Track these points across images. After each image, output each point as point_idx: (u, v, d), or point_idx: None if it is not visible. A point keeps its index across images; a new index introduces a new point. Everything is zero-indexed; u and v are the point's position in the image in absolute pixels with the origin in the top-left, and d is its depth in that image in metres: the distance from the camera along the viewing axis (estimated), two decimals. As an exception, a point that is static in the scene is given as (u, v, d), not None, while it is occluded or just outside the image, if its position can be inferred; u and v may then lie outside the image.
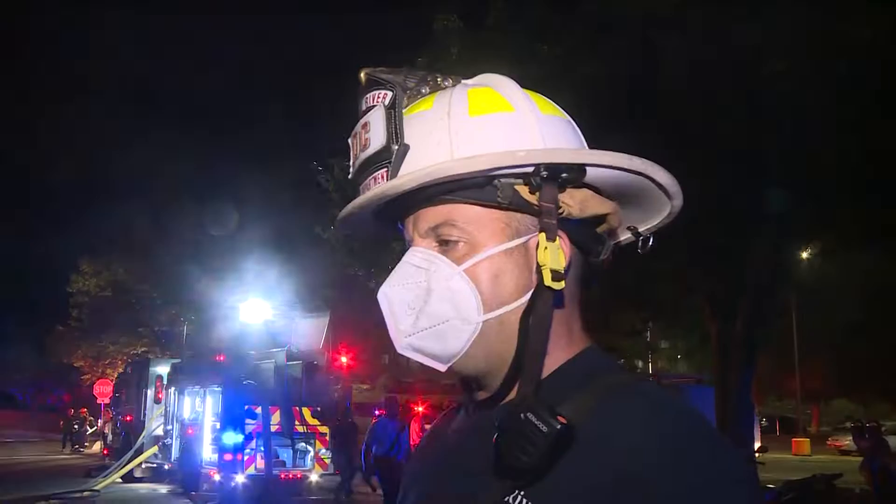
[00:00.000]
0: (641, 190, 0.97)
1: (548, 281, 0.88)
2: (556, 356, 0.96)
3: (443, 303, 0.92)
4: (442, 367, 0.94)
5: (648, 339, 27.62)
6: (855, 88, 8.63)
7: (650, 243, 1.03)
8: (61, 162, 48.44)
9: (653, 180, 0.94)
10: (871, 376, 26.35)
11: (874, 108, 8.76)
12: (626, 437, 0.84)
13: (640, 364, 32.92)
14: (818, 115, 8.68)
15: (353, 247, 13.27)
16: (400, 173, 0.93)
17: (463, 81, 1.01)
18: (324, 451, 14.37)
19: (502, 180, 0.91)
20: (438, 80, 1.00)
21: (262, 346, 14.60)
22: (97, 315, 36.03)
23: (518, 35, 9.99)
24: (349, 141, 1.00)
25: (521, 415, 0.83)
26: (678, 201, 0.99)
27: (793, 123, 8.86)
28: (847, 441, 31.08)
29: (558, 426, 0.82)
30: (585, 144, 1.01)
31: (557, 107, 1.02)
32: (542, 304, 0.90)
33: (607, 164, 0.91)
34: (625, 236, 1.06)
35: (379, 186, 0.93)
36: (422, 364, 0.95)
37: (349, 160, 1.00)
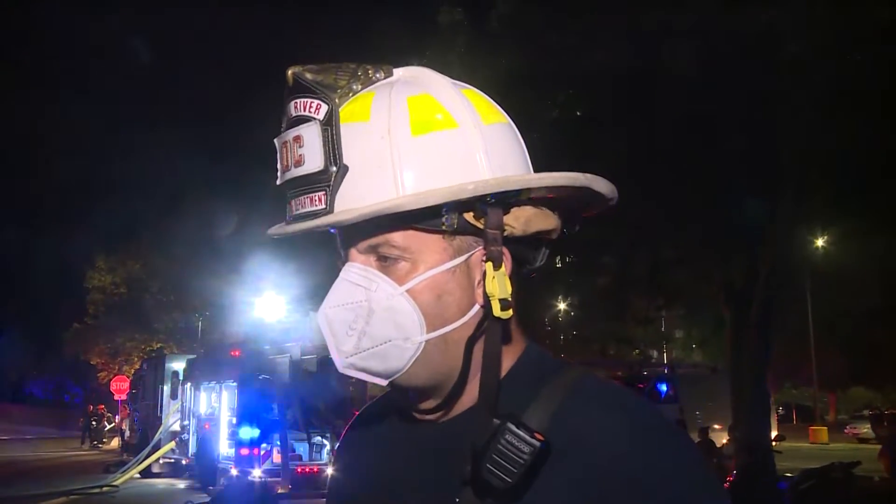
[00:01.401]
0: (581, 197, 0.97)
1: (497, 312, 0.88)
2: (504, 361, 0.96)
3: (385, 323, 0.90)
4: (384, 383, 0.94)
5: (663, 329, 27.54)
6: (870, 73, 8.55)
7: (577, 228, 1.03)
8: (76, 159, 48.74)
9: (594, 191, 0.95)
10: (889, 364, 26.13)
11: (889, 93, 8.67)
12: (595, 440, 0.87)
13: (655, 353, 32.86)
14: (832, 101, 8.61)
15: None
16: (339, 199, 0.90)
17: (396, 75, 0.97)
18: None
19: (450, 209, 0.90)
20: (370, 73, 0.95)
21: (276, 341, 14.66)
22: (113, 312, 36.27)
23: (524, 27, 9.94)
24: (276, 142, 0.96)
25: (501, 439, 0.83)
26: (614, 201, 0.98)
27: (807, 107, 8.78)
28: (865, 429, 30.99)
29: (538, 444, 0.83)
30: (525, 149, 0.99)
31: (497, 108, 0.99)
32: (492, 332, 0.91)
33: (554, 184, 0.92)
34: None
35: (321, 219, 0.90)
36: (362, 380, 0.95)
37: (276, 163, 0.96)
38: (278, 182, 0.96)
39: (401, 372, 0.92)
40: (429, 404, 0.98)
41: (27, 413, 44.15)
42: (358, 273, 0.92)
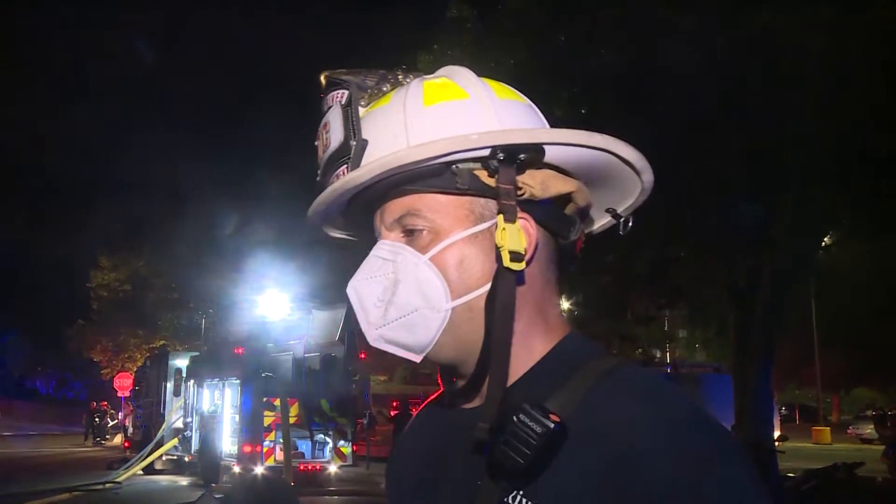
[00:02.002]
0: (609, 168, 0.95)
1: (506, 262, 0.88)
2: (536, 345, 0.96)
3: (410, 292, 0.92)
4: (417, 358, 0.94)
5: (666, 328, 27.52)
6: (873, 75, 8.52)
7: (630, 224, 1.03)
8: (80, 158, 48.82)
9: (618, 156, 0.93)
10: (893, 364, 26.11)
11: (890, 94, 8.65)
12: (618, 428, 0.84)
13: (658, 353, 32.85)
14: (834, 103, 8.59)
15: (370, 237, 13.30)
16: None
17: (423, 77, 1.01)
18: (342, 442, 14.44)
19: (460, 166, 0.91)
20: (399, 77, 1.00)
21: (279, 339, 14.68)
22: (116, 309, 36.37)
23: (534, 23, 9.94)
24: (315, 144, 1.01)
25: (514, 417, 0.83)
26: (648, 176, 0.97)
27: (814, 106, 8.76)
28: (868, 429, 30.95)
29: (552, 425, 0.82)
30: (545, 121, 1.00)
31: (517, 92, 1.01)
32: (503, 286, 0.89)
33: (564, 141, 0.90)
34: (605, 220, 1.06)
35: (336, 183, 0.94)
36: (398, 356, 0.95)
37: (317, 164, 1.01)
38: (318, 178, 1.00)
39: (430, 344, 0.92)
40: (462, 383, 0.98)
41: (30, 409, 44.26)
42: (386, 248, 0.95)
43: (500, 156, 0.89)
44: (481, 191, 0.91)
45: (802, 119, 8.84)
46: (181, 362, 18.35)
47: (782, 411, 34.36)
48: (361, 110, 0.97)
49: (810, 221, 10.93)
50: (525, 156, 0.90)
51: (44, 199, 46.65)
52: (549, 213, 0.95)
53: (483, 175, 0.91)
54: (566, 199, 0.96)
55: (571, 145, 0.91)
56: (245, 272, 21.80)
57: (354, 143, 0.94)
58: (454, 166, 0.91)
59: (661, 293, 13.54)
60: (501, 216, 0.89)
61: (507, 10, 10.41)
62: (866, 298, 19.90)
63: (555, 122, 1.01)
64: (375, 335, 0.94)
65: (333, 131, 0.96)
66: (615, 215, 1.04)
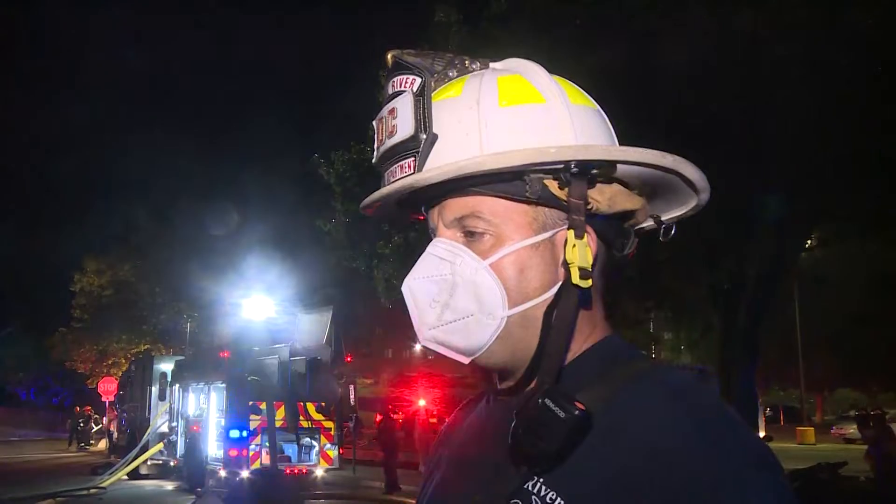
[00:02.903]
0: (669, 183, 0.96)
1: (575, 279, 0.87)
2: (577, 345, 0.96)
3: (468, 297, 0.91)
4: (465, 360, 0.94)
5: (651, 330, 27.59)
6: (854, 78, 8.61)
7: (672, 232, 1.03)
8: (63, 161, 48.44)
9: (682, 177, 0.94)
10: (875, 365, 26.32)
11: (874, 98, 8.73)
12: (644, 425, 0.84)
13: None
14: (818, 105, 8.66)
15: (355, 240, 13.28)
16: (427, 163, 0.92)
17: (492, 66, 1.00)
18: (329, 445, 14.39)
19: (532, 175, 0.90)
20: (466, 63, 0.98)
21: (265, 343, 14.61)
22: (100, 314, 36.04)
23: (518, 26, 9.97)
24: (373, 124, 0.99)
25: (539, 401, 0.83)
26: (705, 195, 0.98)
27: (793, 113, 8.83)
28: (851, 430, 31.10)
29: (576, 412, 0.82)
30: (614, 134, 1.00)
31: (587, 95, 1.01)
32: (567, 300, 0.89)
33: (638, 160, 0.90)
34: (647, 223, 1.05)
35: (407, 178, 0.92)
36: (445, 356, 0.95)
37: (372, 145, 1.00)
38: (374, 159, 0.99)
39: (482, 349, 0.92)
40: (509, 384, 0.98)
41: (13, 415, 43.80)
42: (444, 247, 0.94)
43: (574, 169, 0.88)
44: (550, 202, 0.91)
45: (786, 121, 8.91)
46: (166, 366, 18.23)
47: (767, 412, 34.56)
48: (431, 95, 0.95)
49: (794, 223, 11.01)
50: (597, 171, 0.90)
51: (29, 203, 46.30)
52: (610, 226, 0.96)
53: (553, 186, 0.90)
54: (629, 214, 0.96)
55: (644, 165, 0.91)
56: (230, 275, 21.70)
57: (424, 136, 0.92)
58: (526, 175, 0.90)
59: (647, 295, 13.60)
60: (572, 232, 0.89)
61: (491, 15, 10.44)
62: (849, 300, 20.05)
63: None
64: (429, 335, 0.94)
65: (402, 120, 0.94)
66: (658, 221, 1.04)
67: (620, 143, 0.97)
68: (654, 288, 13.08)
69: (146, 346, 34.45)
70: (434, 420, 20.45)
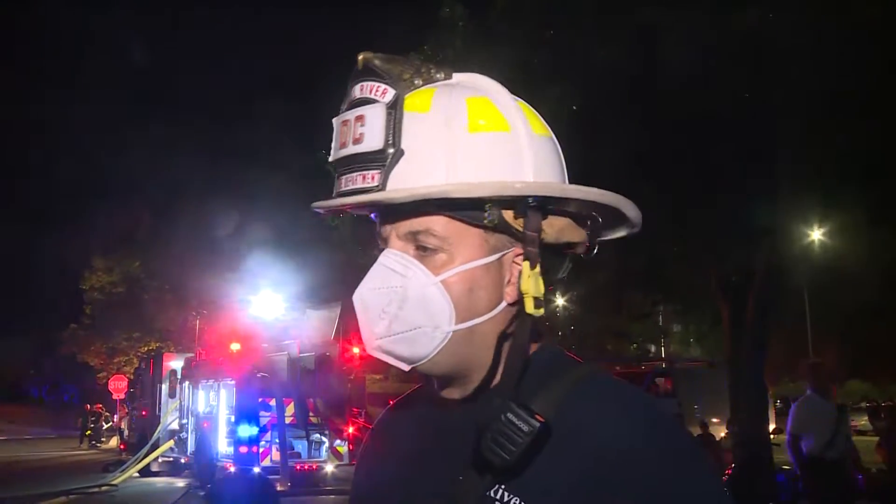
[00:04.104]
0: (608, 212, 1.01)
1: (529, 309, 0.93)
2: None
3: (417, 310, 0.94)
4: (406, 368, 0.97)
5: (660, 323, 27.57)
6: (862, 67, 8.56)
7: (594, 252, 1.06)
8: (73, 160, 48.62)
9: (623, 213, 1.00)
10: (887, 357, 26.22)
11: (883, 85, 8.68)
12: (595, 428, 0.92)
13: (653, 348, 32.92)
14: (826, 94, 8.62)
15: (362, 236, 13.29)
16: (391, 179, 0.93)
17: (455, 78, 1.01)
18: (338, 441, 14.43)
19: (492, 204, 0.94)
20: (432, 71, 0.99)
21: (274, 339, 14.65)
22: (110, 311, 36.18)
23: (524, 22, 9.94)
24: (334, 122, 1.00)
25: (502, 416, 0.88)
26: (636, 229, 1.04)
27: (803, 100, 8.79)
28: (863, 421, 31.04)
29: (537, 425, 0.87)
30: (564, 166, 1.03)
31: (544, 123, 1.04)
32: (521, 327, 0.96)
33: (587, 199, 0.96)
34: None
35: (372, 194, 0.94)
36: (387, 363, 0.97)
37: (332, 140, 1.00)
38: (331, 158, 0.99)
39: (426, 359, 0.95)
40: (451, 392, 1.02)
41: (25, 413, 44.07)
42: (396, 259, 0.96)
43: (533, 203, 0.94)
44: (506, 230, 0.95)
45: (792, 115, 8.88)
46: (176, 364, 18.27)
47: (777, 404, 34.42)
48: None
49: (803, 215, 10.97)
50: (553, 207, 0.96)
51: (39, 201, 46.51)
52: (552, 255, 1.00)
53: (509, 215, 0.94)
54: (571, 245, 1.01)
55: (592, 203, 0.97)
56: (239, 272, 21.74)
57: (393, 151, 0.93)
58: (487, 205, 0.93)
59: (656, 289, 13.58)
60: (527, 263, 0.94)
61: (497, 9, 10.41)
62: (859, 292, 19.95)
63: (546, 119, 1.03)
64: (376, 345, 0.96)
65: (371, 130, 0.94)
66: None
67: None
68: (662, 281, 13.06)
69: (157, 344, 34.57)
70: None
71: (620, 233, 1.07)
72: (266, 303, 14.69)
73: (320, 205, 1.01)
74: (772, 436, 11.67)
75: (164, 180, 38.17)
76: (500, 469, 0.89)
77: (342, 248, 15.13)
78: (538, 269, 0.94)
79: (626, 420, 0.92)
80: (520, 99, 1.02)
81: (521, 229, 0.94)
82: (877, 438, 10.85)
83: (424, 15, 11.18)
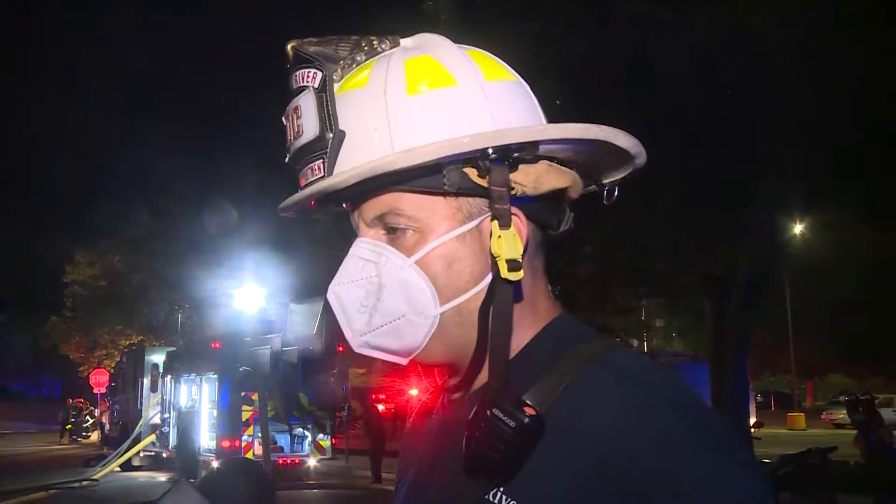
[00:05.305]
0: (602, 152, 0.90)
1: (504, 273, 0.82)
2: (522, 335, 0.92)
3: (396, 298, 0.87)
4: (403, 361, 0.91)
5: (643, 317, 27.69)
6: (851, 63, 8.61)
7: (615, 194, 0.98)
8: (57, 153, 48.16)
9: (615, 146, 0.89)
10: (866, 350, 26.50)
11: (871, 81, 8.74)
12: (596, 417, 0.80)
13: (636, 342, 33.10)
14: (813, 90, 8.67)
15: (345, 230, 13.24)
16: (338, 164, 0.87)
17: (402, 43, 0.93)
18: (321, 436, 14.41)
19: (449, 167, 0.85)
20: (374, 43, 0.92)
21: (257, 333, 14.59)
22: (92, 305, 35.94)
23: (511, 13, 9.92)
24: (283, 121, 0.94)
25: (487, 411, 0.80)
26: (641, 160, 0.93)
27: (787, 98, 8.84)
28: (841, 415, 31.33)
29: (526, 419, 0.78)
30: (538, 107, 0.94)
31: (505, 66, 0.94)
32: (500, 296, 0.84)
33: (561, 137, 0.85)
34: (589, 188, 0.99)
35: (316, 185, 0.88)
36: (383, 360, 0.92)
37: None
38: (286, 159, 0.94)
39: (418, 349, 0.89)
40: (454, 381, 0.96)
41: (5, 408, 43.68)
42: (367, 247, 0.90)
43: (493, 156, 0.83)
44: (472, 191, 0.86)
45: (779, 111, 8.92)
46: (158, 358, 18.20)
47: (758, 398, 34.73)
48: (335, 88, 0.89)
49: (786, 210, 11.05)
50: (518, 154, 0.84)
51: (19, 197, 45.99)
52: (541, 207, 0.91)
53: (473, 174, 0.85)
54: (560, 192, 0.90)
55: (569, 141, 0.87)
56: (222, 266, 21.63)
57: (331, 135, 0.87)
58: (444, 168, 0.85)
59: (639, 283, 13.63)
60: (496, 222, 0.83)
61: (481, 2, 10.38)
62: (839, 286, 20.15)
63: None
64: (360, 342, 0.90)
65: (307, 119, 0.89)
66: (600, 185, 0.99)
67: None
68: (646, 275, 13.12)
69: (139, 338, 34.37)
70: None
71: (625, 171, 0.96)
72: (249, 296, 14.60)
73: (283, 206, 0.96)
74: (753, 430, 11.74)
75: (149, 175, 37.86)
76: (491, 470, 0.81)
77: (325, 243, 15.07)
78: (512, 228, 0.83)
79: (624, 403, 0.80)
80: (473, 48, 0.94)
81: (487, 187, 0.84)
82: (855, 431, 10.94)
83: (407, 8, 11.13)
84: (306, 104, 0.89)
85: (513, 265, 0.82)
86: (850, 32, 8.36)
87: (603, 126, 0.87)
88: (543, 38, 9.47)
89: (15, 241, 39.11)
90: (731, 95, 9.05)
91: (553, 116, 0.95)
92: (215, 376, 14.05)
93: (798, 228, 14.60)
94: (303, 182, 0.91)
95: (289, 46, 0.91)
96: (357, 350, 0.91)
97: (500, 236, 0.83)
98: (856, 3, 8.36)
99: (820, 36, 8.34)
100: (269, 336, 14.53)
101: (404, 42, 0.94)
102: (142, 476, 16.53)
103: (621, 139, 0.88)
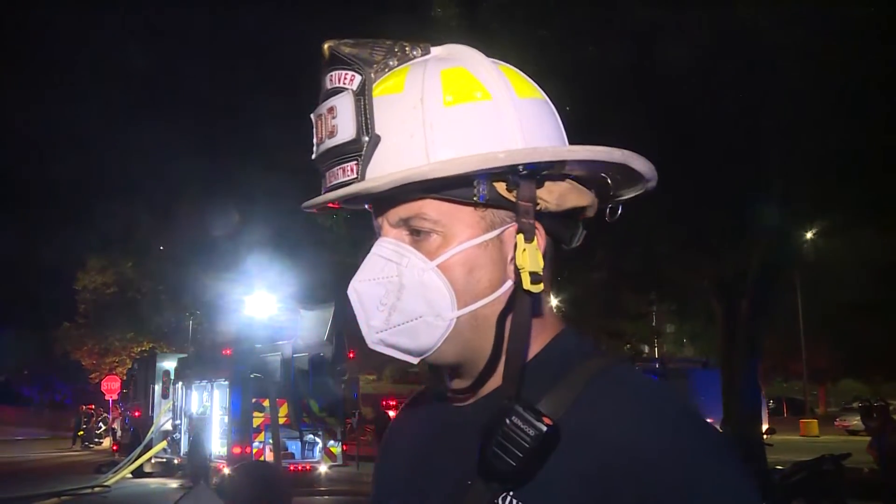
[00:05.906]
0: (618, 172, 0.95)
1: (527, 285, 0.87)
2: (532, 345, 0.94)
3: (416, 299, 0.89)
4: (414, 360, 0.93)
5: (654, 323, 27.62)
6: (856, 65, 8.58)
7: (619, 212, 1.02)
8: (68, 159, 48.47)
9: (633, 169, 0.94)
10: (879, 356, 26.31)
11: (871, 89, 8.71)
12: (609, 429, 0.84)
13: (647, 348, 32.98)
14: (820, 92, 8.64)
15: (357, 236, 13.28)
16: (370, 167, 0.89)
17: (433, 52, 0.96)
18: (332, 442, 14.41)
19: (480, 178, 0.88)
20: (407, 49, 0.94)
21: (267, 340, 14.61)
22: (103, 312, 36.11)
23: (517, 20, 9.94)
24: (312, 118, 0.96)
25: (507, 419, 0.83)
26: (653, 183, 0.97)
27: (794, 100, 8.81)
28: (855, 421, 31.10)
29: (544, 428, 0.82)
30: (562, 127, 0.98)
31: (533, 84, 0.98)
32: (520, 306, 0.89)
33: (588, 158, 0.90)
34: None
35: (351, 186, 0.90)
36: (392, 357, 0.94)
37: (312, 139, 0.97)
38: (313, 156, 0.96)
39: (432, 350, 0.91)
40: (461, 384, 0.97)
41: (17, 414, 43.94)
42: (389, 247, 0.92)
43: (523, 172, 0.87)
44: (499, 203, 0.90)
45: (784, 111, 8.90)
46: (169, 364, 18.24)
47: (770, 404, 34.53)
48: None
49: (797, 214, 11.00)
50: (547, 171, 0.89)
51: (30, 203, 46.31)
52: (559, 223, 0.95)
53: (501, 187, 0.89)
54: (579, 210, 0.95)
55: (594, 162, 0.91)
56: (233, 273, 21.68)
57: (367, 139, 0.89)
58: (474, 180, 0.88)
59: (650, 288, 13.60)
60: (521, 235, 0.88)
61: (490, 7, 10.41)
62: (852, 290, 20.02)
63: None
64: (376, 339, 0.92)
65: (343, 121, 0.91)
66: (605, 201, 1.02)
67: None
68: (656, 281, 13.08)
69: (151, 345, 34.49)
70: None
71: (636, 191, 1.00)
72: (260, 303, 14.63)
73: (309, 203, 0.98)
74: (765, 436, 11.68)
75: (159, 180, 38.05)
76: (506, 476, 0.84)
77: (337, 249, 15.10)
78: (535, 242, 0.88)
79: (640, 418, 0.84)
80: (504, 63, 0.97)
81: (514, 200, 0.89)
82: (868, 438, 10.87)
83: (417, 14, 11.16)
84: (343, 105, 0.91)
85: (535, 278, 0.87)
86: (857, 33, 8.33)
87: (623, 150, 0.91)
88: (550, 45, 9.48)
89: (27, 248, 39.37)
90: (737, 98, 9.03)
91: (565, 123, 0.97)
92: (226, 383, 14.06)
93: (810, 233, 14.53)
94: (330, 181, 0.93)
95: (325, 46, 0.94)
96: (372, 346, 0.93)
97: (524, 250, 0.87)
98: (863, 4, 8.33)
99: (825, 38, 8.32)
100: (280, 342, 14.55)
101: (435, 51, 0.97)
102: (153, 482, 16.57)
103: (637, 163, 0.92)
